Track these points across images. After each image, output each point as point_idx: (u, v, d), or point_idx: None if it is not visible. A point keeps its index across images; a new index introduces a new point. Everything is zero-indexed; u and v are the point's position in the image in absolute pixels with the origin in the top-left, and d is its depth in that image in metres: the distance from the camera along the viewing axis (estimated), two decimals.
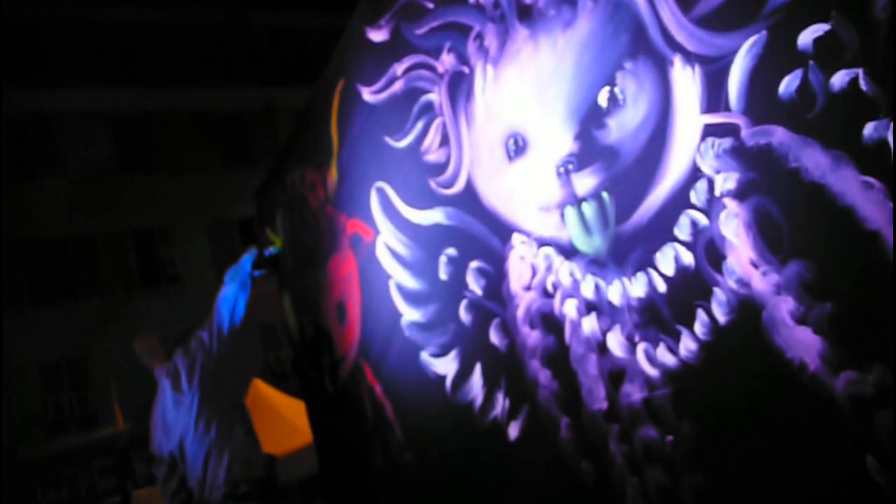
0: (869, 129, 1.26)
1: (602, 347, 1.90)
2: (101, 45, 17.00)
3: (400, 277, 2.85)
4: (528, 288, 2.15)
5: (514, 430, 2.28)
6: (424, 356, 2.71)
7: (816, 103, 1.34)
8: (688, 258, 1.64)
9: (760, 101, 1.44)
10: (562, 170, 1.96)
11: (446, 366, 2.59)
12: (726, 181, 1.53)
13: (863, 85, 1.27)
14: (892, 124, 1.23)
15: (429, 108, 2.56)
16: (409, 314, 2.81)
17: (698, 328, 1.63)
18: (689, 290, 1.63)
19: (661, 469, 1.76)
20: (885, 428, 1.28)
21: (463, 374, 2.51)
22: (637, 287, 1.78)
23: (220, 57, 18.22)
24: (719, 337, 1.58)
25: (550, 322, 2.08)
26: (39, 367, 14.51)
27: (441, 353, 2.62)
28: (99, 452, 13.89)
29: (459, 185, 2.44)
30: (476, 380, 2.44)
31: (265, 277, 4.16)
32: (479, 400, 2.44)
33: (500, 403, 2.33)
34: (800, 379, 1.41)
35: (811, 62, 1.35)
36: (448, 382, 2.58)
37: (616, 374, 1.87)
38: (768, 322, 1.46)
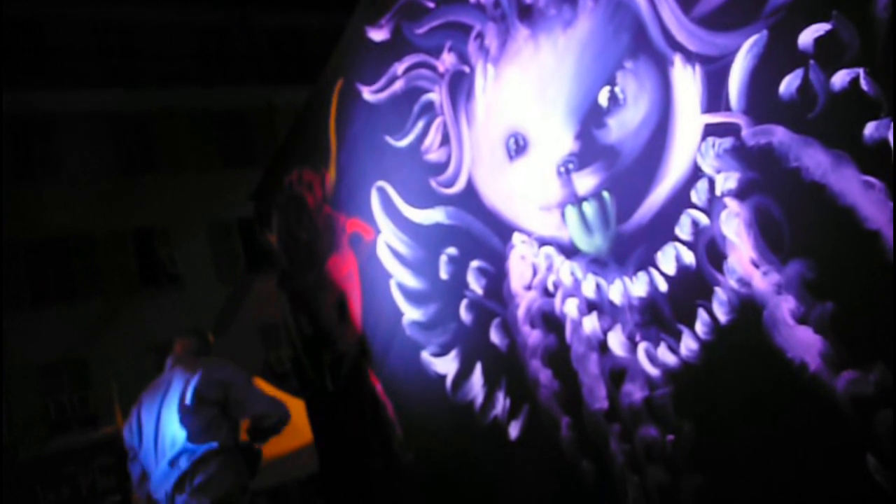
0: (870, 128, 1.26)
1: (603, 347, 1.90)
2: (101, 46, 16.99)
3: (401, 276, 2.85)
4: (529, 287, 2.15)
5: (514, 430, 2.28)
6: (425, 355, 2.71)
7: (817, 103, 1.34)
8: (689, 257, 1.64)
9: (761, 100, 1.44)
10: (562, 169, 1.96)
11: (447, 365, 2.59)
12: (727, 181, 1.53)
13: (864, 84, 1.27)
14: (892, 124, 1.23)
15: (429, 108, 2.56)
16: (410, 313, 2.80)
17: (699, 327, 1.63)
18: (691, 289, 1.64)
19: (662, 468, 1.76)
20: (885, 427, 1.28)
21: (463, 374, 2.50)
22: (638, 286, 1.78)
23: (220, 57, 18.21)
24: (720, 336, 1.58)
25: (551, 321, 2.08)
26: (39, 367, 14.50)
27: (442, 352, 2.61)
28: (99, 452, 13.88)
29: (460, 185, 2.44)
30: (476, 379, 2.44)
31: (264, 277, 4.11)
32: (479, 399, 2.43)
33: (501, 403, 2.33)
34: (801, 378, 1.41)
35: (812, 62, 1.35)
36: (448, 382, 2.58)
37: (617, 374, 1.87)
38: (769, 321, 1.46)
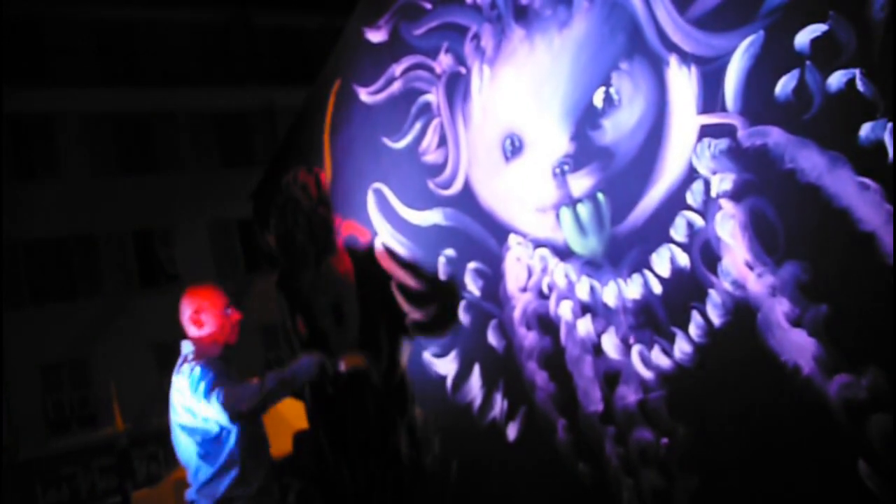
0: (866, 129, 1.25)
1: (597, 349, 1.90)
2: (101, 45, 16.98)
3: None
4: (525, 289, 2.15)
5: (512, 432, 2.27)
6: (427, 356, 2.70)
7: (813, 104, 1.33)
8: (683, 259, 1.63)
9: (757, 101, 1.43)
10: (558, 170, 1.96)
11: (447, 366, 2.59)
12: (722, 182, 1.52)
13: (860, 85, 1.26)
14: (889, 125, 1.22)
15: (427, 109, 2.55)
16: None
17: (693, 330, 1.62)
18: (685, 291, 1.63)
19: (656, 471, 1.75)
20: (877, 432, 1.27)
21: (463, 375, 2.50)
22: (632, 288, 1.77)
23: (220, 57, 18.20)
24: (714, 339, 1.58)
25: (546, 323, 2.07)
26: (39, 367, 14.51)
27: (442, 353, 2.61)
28: (99, 452, 13.88)
29: (457, 186, 2.43)
30: (475, 380, 2.44)
31: (264, 277, 4.09)
32: (478, 401, 2.43)
33: (499, 404, 2.32)
34: (794, 382, 1.40)
35: (808, 62, 1.34)
36: (449, 383, 2.57)
37: (611, 376, 1.86)
38: (763, 324, 1.45)
